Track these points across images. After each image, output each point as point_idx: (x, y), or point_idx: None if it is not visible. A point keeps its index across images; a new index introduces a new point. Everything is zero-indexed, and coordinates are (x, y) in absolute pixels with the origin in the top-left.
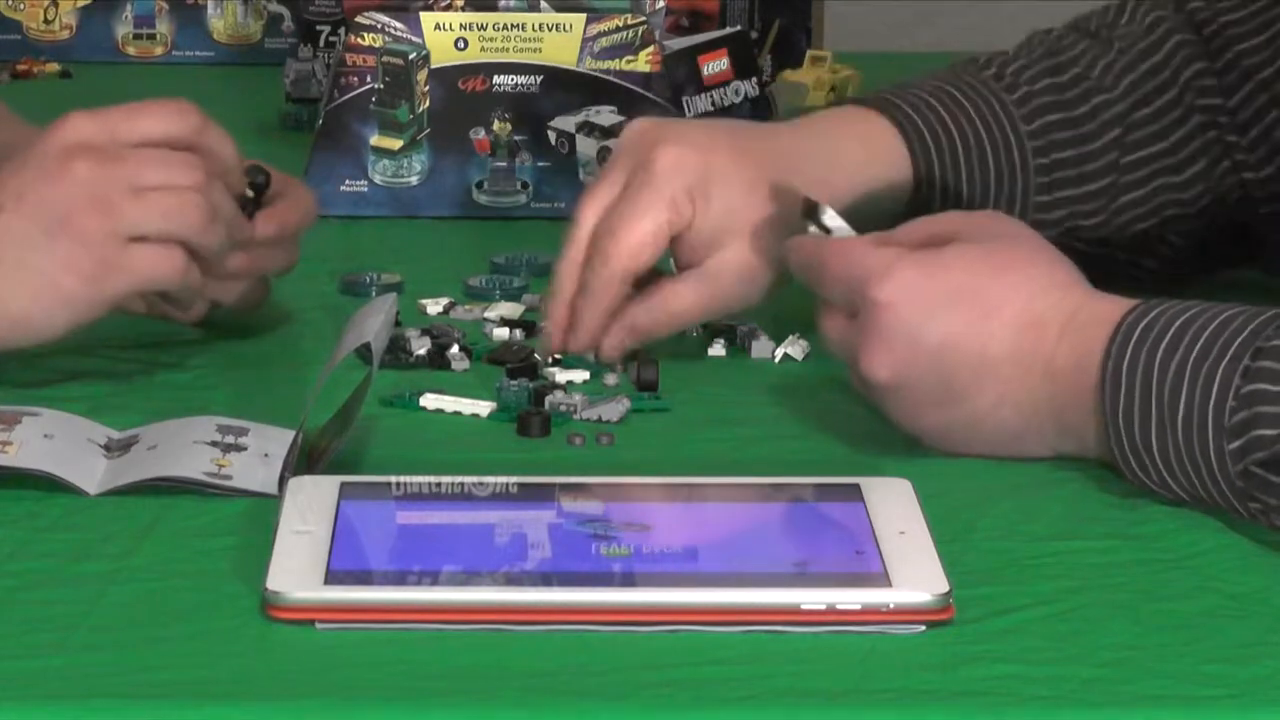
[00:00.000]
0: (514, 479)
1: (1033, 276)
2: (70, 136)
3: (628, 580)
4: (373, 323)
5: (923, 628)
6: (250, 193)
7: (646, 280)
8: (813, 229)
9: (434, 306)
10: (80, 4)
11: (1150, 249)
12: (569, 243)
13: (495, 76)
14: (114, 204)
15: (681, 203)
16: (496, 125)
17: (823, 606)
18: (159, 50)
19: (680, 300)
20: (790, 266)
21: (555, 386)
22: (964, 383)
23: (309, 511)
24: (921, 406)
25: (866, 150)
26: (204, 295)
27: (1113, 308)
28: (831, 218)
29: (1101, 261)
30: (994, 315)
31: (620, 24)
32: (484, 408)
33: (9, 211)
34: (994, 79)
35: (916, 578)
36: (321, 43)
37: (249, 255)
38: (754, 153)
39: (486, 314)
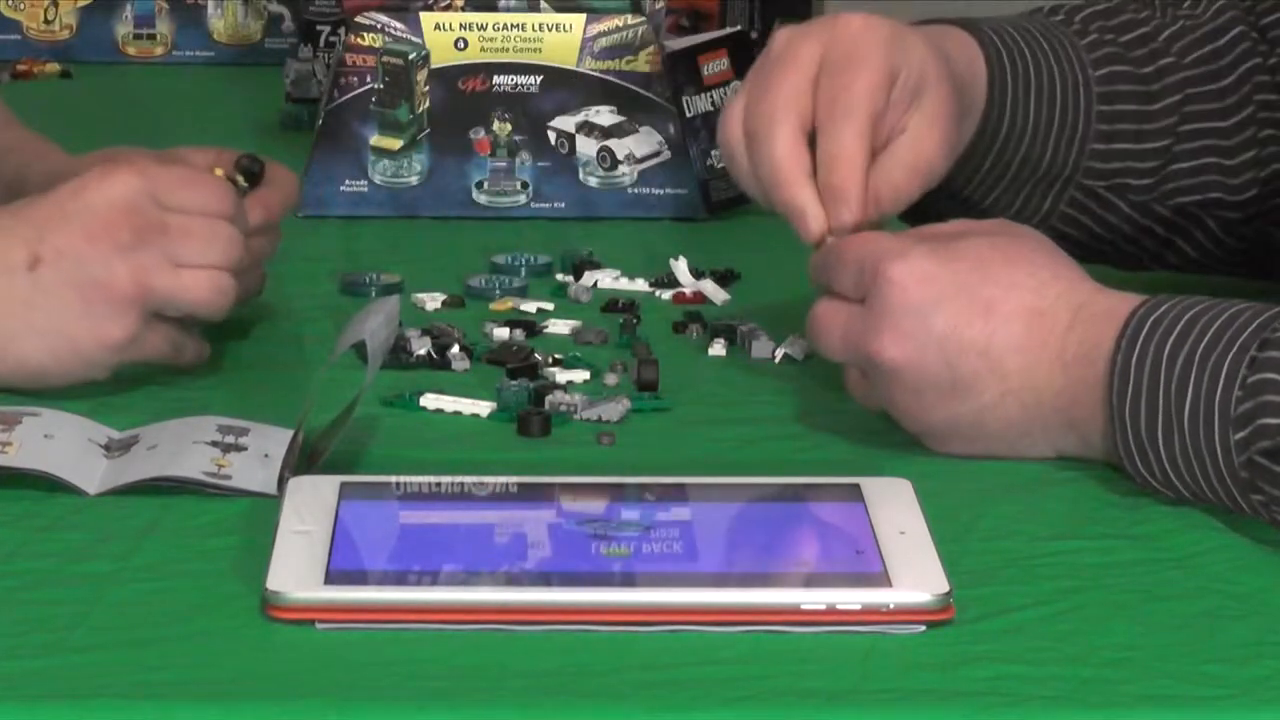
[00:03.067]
0: (514, 479)
1: (1039, 269)
2: (118, 196)
3: (628, 580)
4: (372, 322)
5: (923, 628)
6: (245, 183)
7: None
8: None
9: (431, 303)
10: (80, 4)
11: (1189, 230)
12: (771, 129)
13: (495, 76)
14: (150, 279)
15: (894, 49)
16: (496, 125)
17: (823, 606)
18: (159, 50)
19: (924, 145)
20: (809, 271)
21: (555, 386)
22: (971, 373)
23: (309, 511)
24: (928, 398)
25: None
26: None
27: (1122, 302)
28: None
29: (1135, 242)
30: (1000, 306)
31: (620, 24)
32: (484, 408)
33: (48, 265)
34: (1064, 24)
35: (916, 578)
36: (321, 43)
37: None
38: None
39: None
